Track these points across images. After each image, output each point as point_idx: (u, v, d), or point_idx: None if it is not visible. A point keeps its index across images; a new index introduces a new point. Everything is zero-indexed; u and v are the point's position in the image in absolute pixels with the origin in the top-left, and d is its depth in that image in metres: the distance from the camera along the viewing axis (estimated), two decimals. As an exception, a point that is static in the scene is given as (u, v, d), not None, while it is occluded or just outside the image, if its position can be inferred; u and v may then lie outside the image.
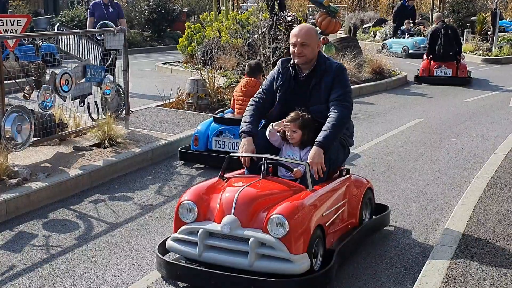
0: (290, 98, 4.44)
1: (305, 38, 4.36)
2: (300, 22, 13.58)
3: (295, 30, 4.46)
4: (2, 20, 7.30)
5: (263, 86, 4.63)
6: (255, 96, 4.64)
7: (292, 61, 4.49)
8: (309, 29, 4.47)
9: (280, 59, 4.65)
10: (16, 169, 5.64)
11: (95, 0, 10.90)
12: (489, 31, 21.34)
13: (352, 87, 11.73)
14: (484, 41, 21.18)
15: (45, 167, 6.03)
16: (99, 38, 7.55)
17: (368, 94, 12.26)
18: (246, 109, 4.57)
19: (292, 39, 4.42)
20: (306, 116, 4.29)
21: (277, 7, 12.46)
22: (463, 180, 6.37)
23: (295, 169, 4.18)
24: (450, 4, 24.96)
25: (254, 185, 3.94)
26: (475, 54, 19.65)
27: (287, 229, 3.59)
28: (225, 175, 4.20)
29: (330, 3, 12.29)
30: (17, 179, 5.45)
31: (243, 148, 4.29)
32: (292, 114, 4.30)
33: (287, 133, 4.29)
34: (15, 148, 5.87)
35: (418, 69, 14.40)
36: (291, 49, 4.44)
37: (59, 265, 4.25)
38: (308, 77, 4.44)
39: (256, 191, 3.88)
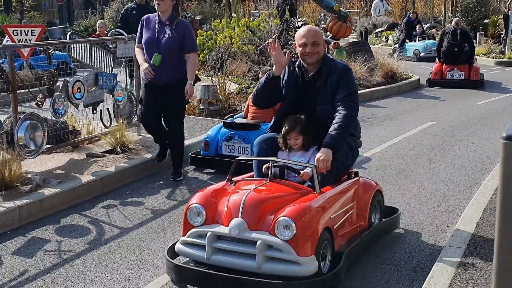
0: (297, 98, 4.47)
1: (315, 37, 4.43)
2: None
3: (303, 31, 4.50)
4: (17, 30, 7.43)
5: None
6: None
7: (298, 62, 4.52)
8: (315, 29, 4.59)
9: None
10: (29, 176, 5.73)
11: (146, 13, 6.75)
12: (502, 33, 21.22)
13: (364, 91, 11.92)
14: (497, 44, 21.08)
15: (58, 174, 6.11)
16: (110, 46, 7.57)
17: (380, 98, 12.24)
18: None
19: (301, 40, 4.44)
20: (301, 118, 4.32)
21: (287, 13, 12.49)
22: (474, 182, 6.35)
23: (302, 172, 4.20)
24: (463, 7, 24.86)
25: (262, 188, 3.97)
26: (488, 57, 19.54)
27: (295, 232, 3.60)
28: (233, 179, 4.24)
29: (341, 8, 12.32)
30: (30, 186, 5.53)
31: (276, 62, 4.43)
32: (288, 124, 4.29)
33: (291, 142, 4.30)
34: (28, 155, 5.95)
35: (431, 72, 14.35)
36: (301, 50, 4.44)
37: (71, 269, 4.31)
38: (314, 77, 4.47)
39: (263, 194, 3.91)
